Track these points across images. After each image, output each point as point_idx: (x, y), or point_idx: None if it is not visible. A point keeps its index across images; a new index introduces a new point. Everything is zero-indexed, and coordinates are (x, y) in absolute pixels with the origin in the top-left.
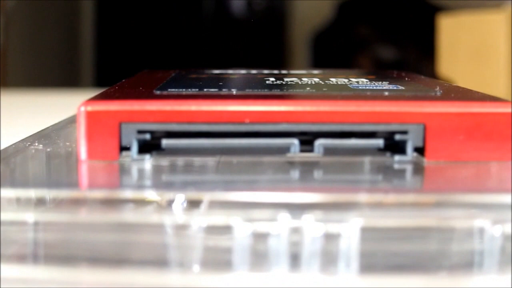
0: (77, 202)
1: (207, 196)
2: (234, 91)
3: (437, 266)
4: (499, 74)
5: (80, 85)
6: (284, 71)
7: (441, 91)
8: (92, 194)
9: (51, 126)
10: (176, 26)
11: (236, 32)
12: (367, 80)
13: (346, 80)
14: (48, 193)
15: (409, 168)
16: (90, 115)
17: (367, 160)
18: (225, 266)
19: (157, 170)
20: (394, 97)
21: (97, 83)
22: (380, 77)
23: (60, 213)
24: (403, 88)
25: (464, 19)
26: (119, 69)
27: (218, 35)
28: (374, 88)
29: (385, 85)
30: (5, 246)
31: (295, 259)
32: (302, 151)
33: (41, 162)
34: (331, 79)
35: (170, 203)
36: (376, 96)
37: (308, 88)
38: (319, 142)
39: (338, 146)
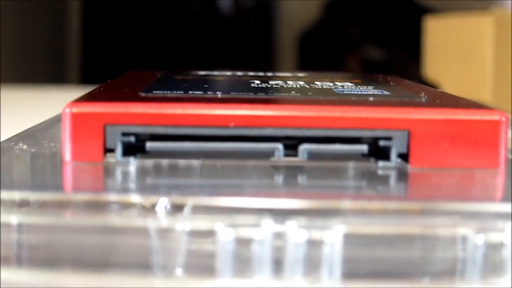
0: (61, 205)
1: (191, 201)
2: (219, 94)
3: (420, 273)
4: (485, 77)
5: (67, 81)
6: (269, 74)
7: (426, 97)
8: (77, 196)
9: (36, 125)
10: (162, 24)
11: (223, 31)
12: (352, 85)
13: (331, 84)
14: (32, 195)
15: (393, 174)
16: (75, 117)
17: (351, 165)
18: (208, 271)
19: (141, 173)
20: (379, 102)
21: (84, 80)
22: (365, 82)
23: (44, 216)
24: (388, 93)
25: (451, 22)
26: (106, 66)
27: (205, 33)
28: (359, 93)
29: (370, 90)
30: None
31: (278, 265)
32: (286, 155)
33: (25, 163)
34: (316, 82)
35: (154, 206)
36: (361, 101)
37: (293, 92)
38: (304, 147)
39: (322, 151)
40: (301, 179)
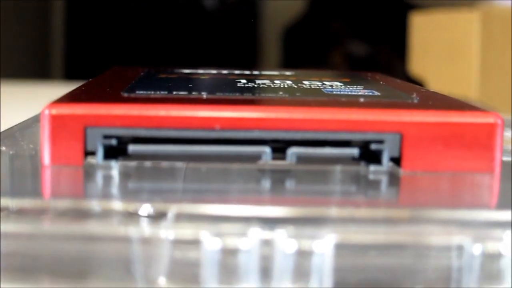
0: (40, 212)
1: (174, 208)
2: (204, 95)
3: (413, 282)
4: (471, 73)
5: (51, 77)
6: (256, 72)
7: (418, 98)
8: (56, 203)
9: (16, 125)
10: (147, 20)
11: (207, 26)
12: (341, 84)
13: (319, 84)
14: (10, 202)
15: (384, 179)
16: (54, 119)
17: (341, 169)
18: (192, 281)
19: (123, 177)
20: (370, 104)
21: (68, 76)
22: (355, 81)
23: (22, 223)
24: (378, 93)
25: (437, 18)
26: (90, 62)
27: (189, 29)
28: (349, 93)
29: (360, 90)
30: None
31: (266, 275)
32: (274, 158)
33: (3, 166)
34: (305, 82)
35: (136, 213)
36: (351, 102)
37: (280, 92)
38: (292, 151)
39: (311, 154)
40: (290, 184)
